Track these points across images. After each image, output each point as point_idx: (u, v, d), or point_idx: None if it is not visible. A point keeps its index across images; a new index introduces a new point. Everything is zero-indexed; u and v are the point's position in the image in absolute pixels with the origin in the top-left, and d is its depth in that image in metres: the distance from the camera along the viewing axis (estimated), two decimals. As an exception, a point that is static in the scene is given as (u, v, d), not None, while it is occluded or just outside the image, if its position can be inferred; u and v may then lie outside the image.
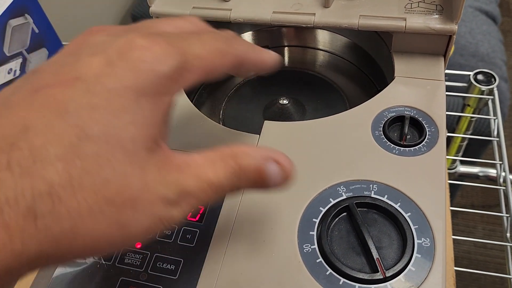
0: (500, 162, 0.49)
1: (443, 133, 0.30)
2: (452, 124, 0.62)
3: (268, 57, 0.23)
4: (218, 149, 0.19)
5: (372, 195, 0.28)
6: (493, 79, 0.55)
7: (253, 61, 0.22)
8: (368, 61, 0.41)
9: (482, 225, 1.31)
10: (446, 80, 0.62)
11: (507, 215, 0.45)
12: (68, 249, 0.15)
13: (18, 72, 0.54)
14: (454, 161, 0.67)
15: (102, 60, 0.17)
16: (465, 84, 0.57)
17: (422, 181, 0.28)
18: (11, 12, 0.51)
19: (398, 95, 0.32)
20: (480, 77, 0.56)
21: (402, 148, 0.30)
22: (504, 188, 0.47)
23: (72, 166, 0.15)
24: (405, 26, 0.33)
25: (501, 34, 1.04)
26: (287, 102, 0.38)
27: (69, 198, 0.14)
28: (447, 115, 0.58)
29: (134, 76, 0.17)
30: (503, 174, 0.49)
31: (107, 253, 0.18)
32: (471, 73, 0.56)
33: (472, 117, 0.59)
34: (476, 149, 0.83)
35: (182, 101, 0.34)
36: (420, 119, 0.31)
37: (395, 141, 0.30)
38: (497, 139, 0.51)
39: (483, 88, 0.54)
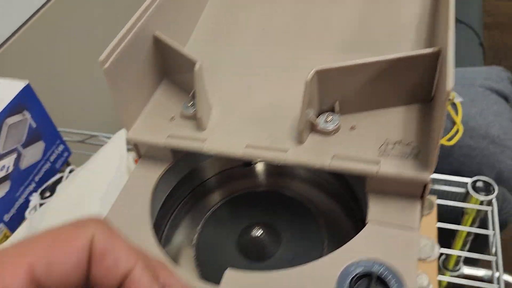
0: (498, 286, 0.46)
1: (413, 296, 0.28)
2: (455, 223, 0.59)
3: None
4: None
5: None
6: (491, 188, 0.52)
7: None
8: (344, 183, 0.40)
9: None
10: (443, 184, 0.60)
11: None
12: None
13: (11, 169, 0.54)
14: (457, 262, 0.64)
15: None
16: (463, 190, 0.55)
17: None
18: (10, 110, 0.52)
19: (368, 246, 0.31)
20: (479, 184, 0.53)
21: (367, 314, 0.28)
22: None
23: None
24: (377, 171, 0.32)
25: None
26: (261, 233, 0.37)
27: None
28: (445, 222, 0.55)
29: None
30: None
31: None
32: (469, 180, 0.53)
33: (469, 232, 0.56)
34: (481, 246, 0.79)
35: (148, 243, 0.33)
36: (388, 277, 0.29)
37: (360, 304, 0.28)
38: (495, 257, 0.48)
39: (481, 198, 0.52)
